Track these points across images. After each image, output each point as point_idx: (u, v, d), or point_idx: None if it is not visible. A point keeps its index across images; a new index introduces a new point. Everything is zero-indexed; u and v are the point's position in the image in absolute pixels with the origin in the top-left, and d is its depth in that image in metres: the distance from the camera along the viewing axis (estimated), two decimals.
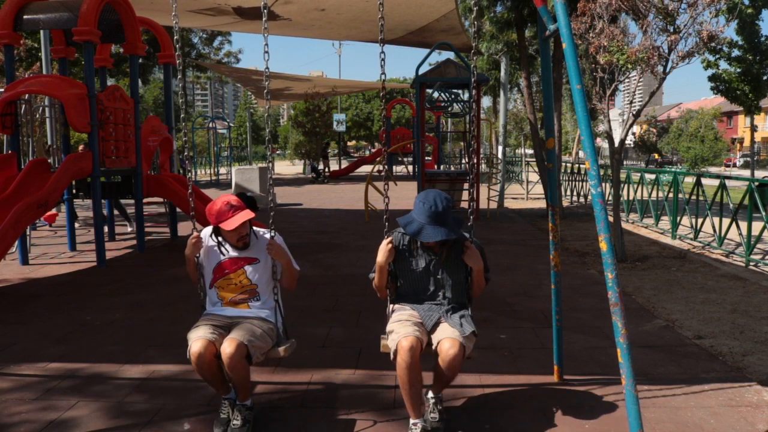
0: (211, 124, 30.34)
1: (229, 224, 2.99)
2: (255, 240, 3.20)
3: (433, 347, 2.91)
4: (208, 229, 3.23)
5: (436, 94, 12.99)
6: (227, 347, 2.84)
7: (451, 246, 3.06)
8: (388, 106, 32.13)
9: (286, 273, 3.19)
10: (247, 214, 3.01)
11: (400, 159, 27.95)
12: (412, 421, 2.92)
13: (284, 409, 3.32)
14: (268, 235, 3.16)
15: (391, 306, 3.18)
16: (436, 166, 22.39)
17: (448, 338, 2.85)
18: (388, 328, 3.05)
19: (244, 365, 2.90)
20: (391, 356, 2.91)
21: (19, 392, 3.52)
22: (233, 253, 3.16)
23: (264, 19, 2.99)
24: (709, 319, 5.00)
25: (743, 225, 7.78)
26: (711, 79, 19.65)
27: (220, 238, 3.16)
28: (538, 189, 16.69)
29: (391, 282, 3.16)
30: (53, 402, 3.37)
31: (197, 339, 2.91)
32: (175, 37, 3.09)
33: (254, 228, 3.22)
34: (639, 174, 12.14)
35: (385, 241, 3.03)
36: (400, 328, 2.93)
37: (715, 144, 36.94)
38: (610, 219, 6.12)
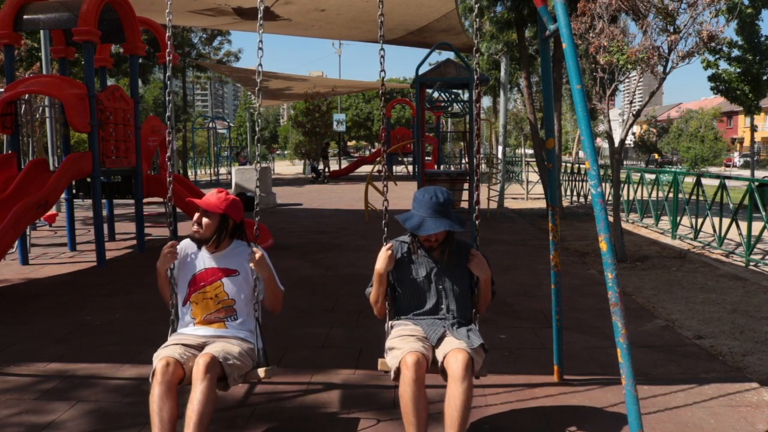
0: (211, 124, 30.35)
1: (202, 201, 2.82)
2: (236, 250, 2.92)
3: (439, 363, 2.67)
4: (187, 240, 2.96)
5: (436, 94, 12.98)
6: (200, 362, 2.50)
7: (453, 251, 2.89)
8: (388, 106, 32.13)
9: (268, 290, 2.88)
10: (226, 207, 2.81)
11: (400, 159, 27.95)
12: None
13: (284, 409, 3.31)
14: (252, 247, 2.86)
15: (390, 323, 2.93)
16: (436, 166, 22.39)
17: (454, 350, 2.60)
18: (388, 344, 2.79)
19: (213, 392, 2.49)
20: (392, 375, 2.65)
21: (19, 392, 3.51)
22: (211, 263, 2.88)
23: (259, 15, 2.98)
24: (709, 319, 4.99)
25: (743, 225, 7.78)
26: (711, 79, 19.66)
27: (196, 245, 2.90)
28: (538, 189, 16.69)
29: (390, 295, 2.92)
30: (53, 402, 3.37)
31: (163, 357, 2.54)
32: (167, 35, 3.04)
33: (238, 240, 2.96)
34: (639, 174, 12.14)
35: (384, 248, 2.84)
36: (403, 343, 2.68)
37: (715, 144, 36.96)
38: (610, 219, 6.12)
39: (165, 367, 2.50)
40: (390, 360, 2.72)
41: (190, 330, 2.87)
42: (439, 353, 2.70)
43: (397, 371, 2.61)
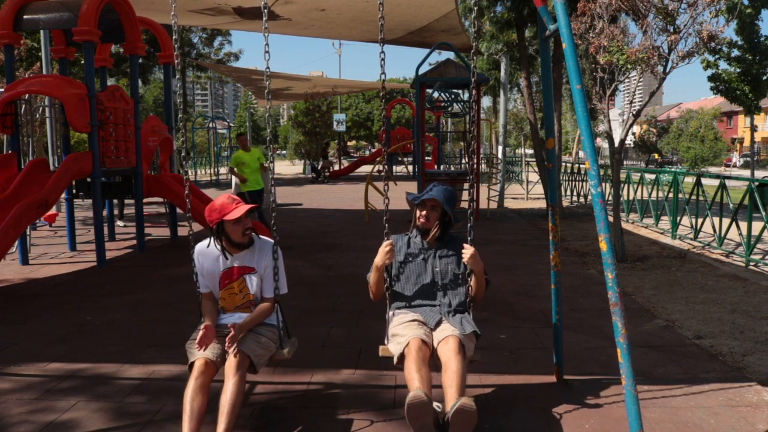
0: (211, 124, 30.33)
1: (234, 213, 3.00)
2: (253, 247, 3.18)
3: (435, 346, 2.89)
4: (204, 243, 3.19)
5: (436, 94, 12.98)
6: (232, 360, 2.82)
7: (448, 241, 3.17)
8: (388, 106, 32.12)
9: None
10: (247, 206, 3.06)
11: (400, 159, 27.94)
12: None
13: (284, 409, 3.31)
14: (268, 243, 3.20)
15: (391, 312, 3.14)
16: (436, 166, 22.39)
17: (446, 336, 2.84)
18: (391, 332, 3.01)
19: (243, 384, 2.81)
20: (395, 360, 2.87)
21: (19, 392, 3.52)
22: (233, 263, 3.15)
23: (264, 18, 2.99)
24: (709, 319, 4.99)
25: (743, 225, 7.78)
26: (711, 79, 19.64)
27: (220, 245, 3.14)
28: (538, 189, 16.69)
29: (389, 282, 3.14)
30: (53, 402, 3.37)
31: (202, 357, 2.85)
32: (174, 37, 3.08)
33: (256, 234, 3.22)
34: (639, 174, 12.14)
35: (384, 243, 3.04)
36: (406, 330, 2.90)
37: (715, 144, 36.95)
38: (610, 219, 6.12)
39: (203, 366, 2.83)
40: (393, 346, 2.92)
41: (218, 319, 3.15)
42: (435, 338, 2.92)
43: (401, 357, 2.81)
